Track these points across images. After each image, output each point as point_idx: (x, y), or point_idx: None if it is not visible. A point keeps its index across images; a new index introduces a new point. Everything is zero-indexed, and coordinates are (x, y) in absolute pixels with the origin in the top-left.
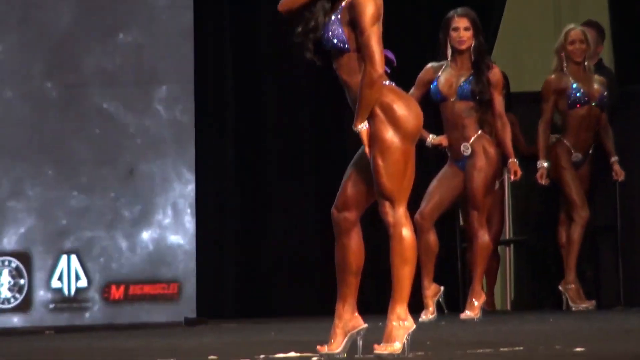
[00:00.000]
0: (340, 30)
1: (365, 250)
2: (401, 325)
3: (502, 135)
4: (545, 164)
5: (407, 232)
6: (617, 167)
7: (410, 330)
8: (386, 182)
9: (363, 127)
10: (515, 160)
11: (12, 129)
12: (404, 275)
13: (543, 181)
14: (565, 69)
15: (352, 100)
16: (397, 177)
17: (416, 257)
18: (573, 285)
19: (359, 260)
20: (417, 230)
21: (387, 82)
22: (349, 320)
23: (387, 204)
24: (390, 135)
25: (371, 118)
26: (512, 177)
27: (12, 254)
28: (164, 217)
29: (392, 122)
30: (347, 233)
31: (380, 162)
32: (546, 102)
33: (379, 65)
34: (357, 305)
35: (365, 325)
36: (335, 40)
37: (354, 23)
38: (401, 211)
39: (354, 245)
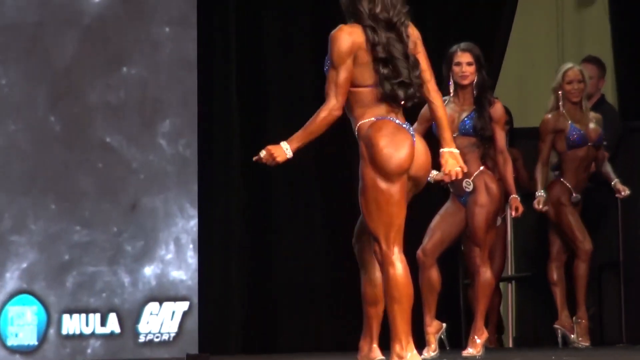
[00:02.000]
0: (326, 68)
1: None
2: None
3: (504, 171)
4: (543, 193)
5: (394, 271)
6: (619, 186)
7: None
8: (369, 222)
9: (288, 151)
10: (517, 196)
11: (15, 161)
12: (394, 314)
13: (540, 206)
14: (562, 108)
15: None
16: (378, 216)
17: (408, 295)
18: (583, 321)
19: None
20: (420, 266)
21: (389, 117)
22: (369, 352)
23: (375, 243)
24: (369, 173)
25: (360, 156)
26: (513, 214)
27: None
28: (166, 252)
29: (372, 160)
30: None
31: (362, 200)
32: (543, 142)
33: (335, 100)
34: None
35: (382, 357)
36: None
37: None
38: (388, 249)
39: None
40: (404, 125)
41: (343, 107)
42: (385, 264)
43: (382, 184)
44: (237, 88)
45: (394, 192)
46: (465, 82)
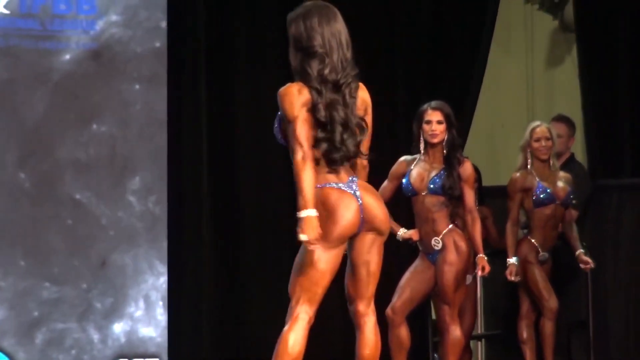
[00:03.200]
0: (276, 125)
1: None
2: None
3: (472, 231)
4: (515, 261)
5: (288, 331)
6: (583, 257)
7: None
8: (291, 276)
9: (311, 213)
10: (484, 256)
11: None
12: None
13: (513, 277)
14: (530, 166)
15: None
16: (298, 276)
17: (286, 357)
18: None
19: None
20: (389, 324)
21: (331, 184)
22: None
23: (291, 297)
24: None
25: None
26: (480, 273)
27: None
28: (136, 309)
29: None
30: None
31: (296, 257)
32: (512, 201)
33: (305, 150)
34: None
35: None
36: (277, 136)
37: None
38: (293, 309)
39: None
40: (347, 189)
41: (312, 154)
42: (287, 321)
43: (318, 251)
44: (207, 145)
45: (324, 260)
46: (435, 140)
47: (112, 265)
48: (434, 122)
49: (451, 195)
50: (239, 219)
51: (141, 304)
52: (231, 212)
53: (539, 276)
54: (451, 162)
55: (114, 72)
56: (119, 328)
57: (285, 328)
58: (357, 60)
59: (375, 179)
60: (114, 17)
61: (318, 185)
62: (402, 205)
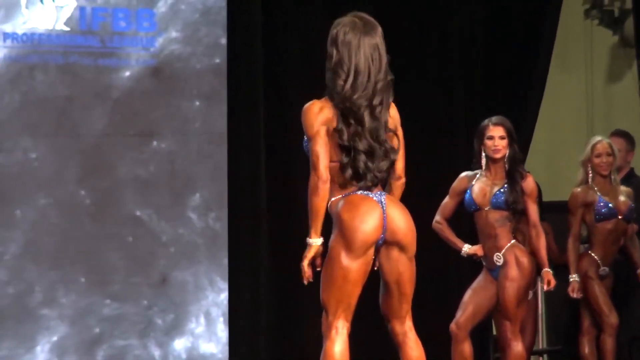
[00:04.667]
0: (305, 142)
1: None
2: None
3: (537, 245)
4: (577, 278)
5: (331, 345)
6: None
7: None
8: (322, 291)
9: (312, 242)
10: (549, 270)
11: (46, 235)
12: None
13: (575, 295)
14: (591, 181)
15: None
16: (331, 290)
17: None
18: None
19: None
20: (453, 339)
21: (358, 192)
22: None
23: (323, 313)
24: (336, 247)
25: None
26: (546, 287)
27: None
28: (196, 326)
29: (340, 233)
30: None
31: (322, 270)
32: (574, 216)
33: (321, 172)
34: None
35: None
36: (306, 150)
37: None
38: (331, 324)
39: None
40: (374, 196)
41: (328, 175)
42: (325, 337)
43: (345, 260)
44: (266, 161)
45: (354, 269)
46: (498, 155)
47: (172, 281)
48: (497, 138)
49: (515, 209)
50: (297, 234)
51: (202, 320)
52: (290, 227)
53: (599, 292)
54: (514, 176)
55: (174, 88)
56: (180, 344)
57: (327, 343)
58: (412, 76)
59: (436, 197)
60: (173, 34)
61: (344, 194)
62: (464, 221)
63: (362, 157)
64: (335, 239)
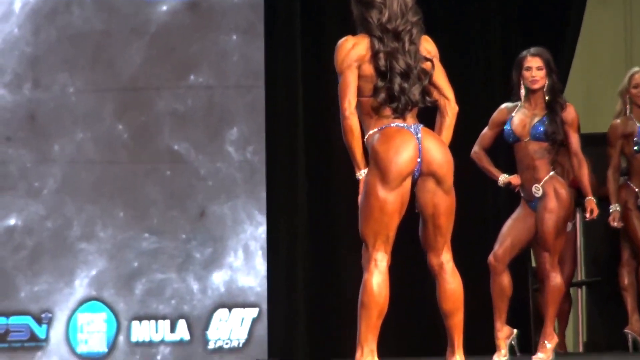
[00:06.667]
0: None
1: None
2: None
3: (579, 174)
4: (617, 208)
5: (370, 277)
6: None
7: None
8: (360, 225)
9: (359, 176)
10: (592, 198)
11: (83, 170)
12: (360, 318)
13: (616, 224)
14: (629, 112)
15: None
16: (369, 223)
17: (377, 304)
18: None
19: None
20: (491, 272)
21: (393, 124)
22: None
23: (363, 245)
24: (372, 180)
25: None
26: (588, 216)
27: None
28: (235, 259)
29: (375, 165)
30: None
31: (359, 204)
32: (613, 147)
33: (345, 106)
34: None
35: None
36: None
37: None
38: (370, 256)
39: None
40: (410, 128)
41: (354, 109)
42: (365, 269)
43: (381, 192)
44: (303, 95)
45: (390, 201)
46: (536, 86)
47: (210, 215)
48: (534, 69)
49: (554, 140)
50: (334, 167)
51: (240, 253)
52: (327, 161)
53: (638, 223)
54: (554, 107)
55: (211, 23)
56: (218, 278)
57: (366, 275)
58: (450, 13)
59: (475, 128)
60: None
61: (379, 128)
62: (503, 152)
63: (397, 80)
64: (370, 171)
